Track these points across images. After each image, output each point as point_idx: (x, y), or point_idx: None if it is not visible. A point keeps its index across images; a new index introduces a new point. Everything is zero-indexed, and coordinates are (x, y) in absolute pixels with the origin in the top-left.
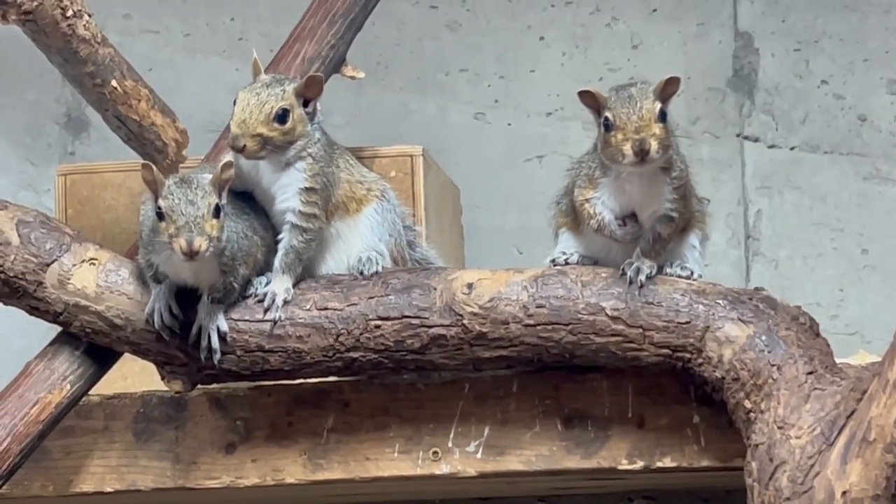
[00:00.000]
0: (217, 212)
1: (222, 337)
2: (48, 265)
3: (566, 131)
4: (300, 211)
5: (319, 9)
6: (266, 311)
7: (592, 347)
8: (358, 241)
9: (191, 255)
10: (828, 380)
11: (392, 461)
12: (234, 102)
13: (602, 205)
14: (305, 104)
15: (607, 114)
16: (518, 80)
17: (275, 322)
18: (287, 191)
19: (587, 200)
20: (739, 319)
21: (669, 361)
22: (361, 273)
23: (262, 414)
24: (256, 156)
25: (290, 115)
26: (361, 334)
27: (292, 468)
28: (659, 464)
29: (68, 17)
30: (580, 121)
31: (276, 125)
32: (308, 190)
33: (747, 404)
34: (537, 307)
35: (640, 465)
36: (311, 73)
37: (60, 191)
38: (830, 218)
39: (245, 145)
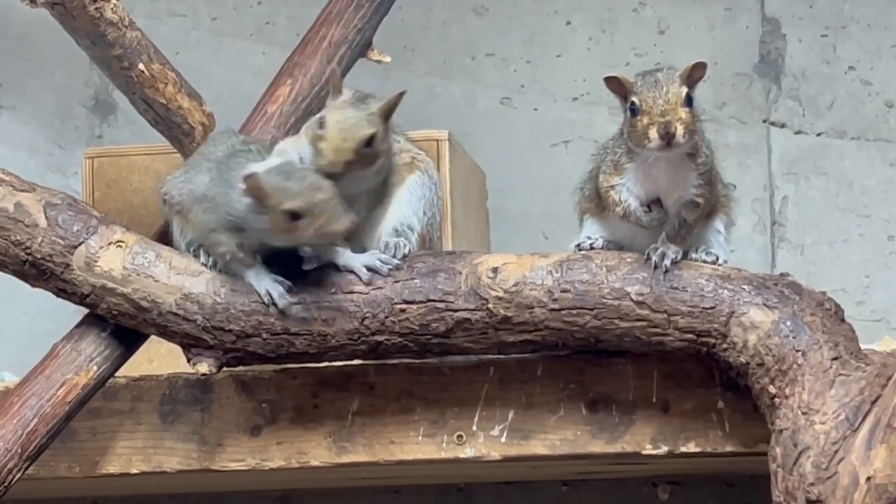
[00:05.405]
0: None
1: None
2: (75, 247)
3: (592, 116)
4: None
5: None
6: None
7: (617, 332)
8: (396, 211)
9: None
10: (853, 365)
11: (416, 444)
12: (321, 120)
13: (627, 191)
14: (387, 118)
15: (633, 98)
16: (544, 64)
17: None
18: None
19: (612, 187)
20: (764, 305)
21: (694, 346)
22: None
23: (287, 396)
24: (339, 176)
25: (378, 136)
26: (387, 318)
27: (317, 451)
28: (683, 449)
29: (96, 1)
30: (606, 106)
31: (366, 150)
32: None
33: (772, 390)
34: (562, 292)
35: (664, 449)
36: (396, 94)
37: (88, 173)
38: (857, 204)
39: (336, 172)
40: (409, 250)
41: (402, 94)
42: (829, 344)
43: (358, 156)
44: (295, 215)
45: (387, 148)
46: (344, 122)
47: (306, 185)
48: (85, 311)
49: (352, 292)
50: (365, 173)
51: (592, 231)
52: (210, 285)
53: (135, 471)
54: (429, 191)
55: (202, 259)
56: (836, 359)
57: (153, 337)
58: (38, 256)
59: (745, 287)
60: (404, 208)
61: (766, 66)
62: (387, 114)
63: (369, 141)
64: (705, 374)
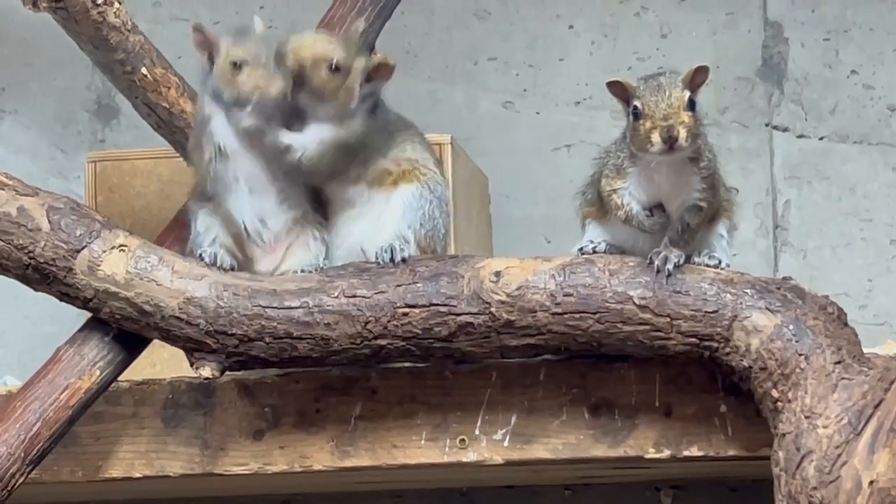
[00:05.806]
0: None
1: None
2: (78, 251)
3: (594, 120)
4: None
5: None
6: None
7: (620, 336)
8: (388, 221)
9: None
10: (855, 369)
11: (419, 449)
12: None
13: (630, 196)
14: (368, 80)
15: (636, 102)
16: (547, 68)
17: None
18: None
19: (615, 191)
20: (767, 309)
21: (697, 350)
22: (379, 262)
23: (290, 401)
24: (290, 83)
25: (342, 74)
26: (389, 322)
27: (320, 455)
28: (686, 453)
29: (98, 5)
30: (609, 110)
31: (324, 70)
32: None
33: (774, 394)
34: (565, 296)
35: (666, 453)
36: (388, 57)
37: (90, 178)
38: (859, 208)
39: (290, 65)
40: (408, 254)
41: (388, 62)
42: (831, 348)
43: (312, 71)
44: (237, 65)
45: (358, 98)
46: (318, 37)
47: (251, 42)
48: (87, 315)
49: (354, 296)
50: (325, 107)
51: (595, 235)
52: (213, 289)
53: (137, 475)
54: (427, 203)
55: (206, 259)
56: (838, 363)
57: (156, 341)
58: (41, 260)
59: (748, 291)
60: (398, 220)
61: (769, 70)
62: (367, 68)
63: (331, 64)
64: (708, 378)
